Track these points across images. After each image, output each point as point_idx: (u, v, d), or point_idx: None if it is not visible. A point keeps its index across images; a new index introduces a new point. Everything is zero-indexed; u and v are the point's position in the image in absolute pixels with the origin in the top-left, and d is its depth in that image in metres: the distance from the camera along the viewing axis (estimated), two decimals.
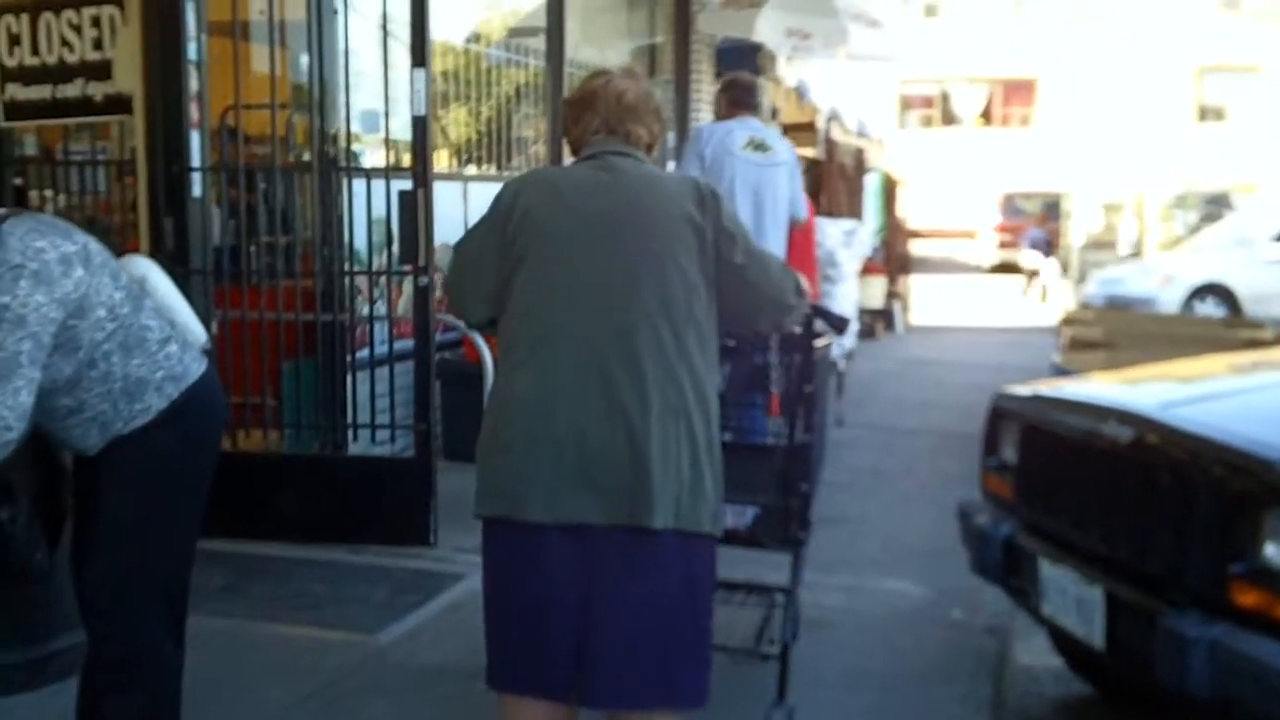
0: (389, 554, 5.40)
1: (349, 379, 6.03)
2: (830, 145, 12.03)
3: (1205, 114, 31.06)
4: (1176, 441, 3.19)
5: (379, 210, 5.76)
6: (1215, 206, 20.49)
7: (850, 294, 10.39)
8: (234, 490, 4.01)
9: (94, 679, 2.94)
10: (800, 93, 13.03)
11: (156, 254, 5.26)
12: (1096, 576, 3.29)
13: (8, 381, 2.57)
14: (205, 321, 3.39)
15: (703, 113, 10.41)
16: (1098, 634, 3.26)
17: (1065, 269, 20.84)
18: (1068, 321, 9.76)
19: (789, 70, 12.78)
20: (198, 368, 2.97)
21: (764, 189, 6.25)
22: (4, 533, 2.83)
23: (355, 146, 6.53)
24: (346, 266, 5.99)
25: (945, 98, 33.95)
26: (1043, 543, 3.59)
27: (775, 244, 6.22)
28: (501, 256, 2.78)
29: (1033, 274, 21.61)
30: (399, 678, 4.17)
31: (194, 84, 5.53)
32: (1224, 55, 29.88)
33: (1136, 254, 19.62)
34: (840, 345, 8.49)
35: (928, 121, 33.96)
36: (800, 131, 11.16)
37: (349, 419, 5.98)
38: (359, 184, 5.81)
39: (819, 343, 3.67)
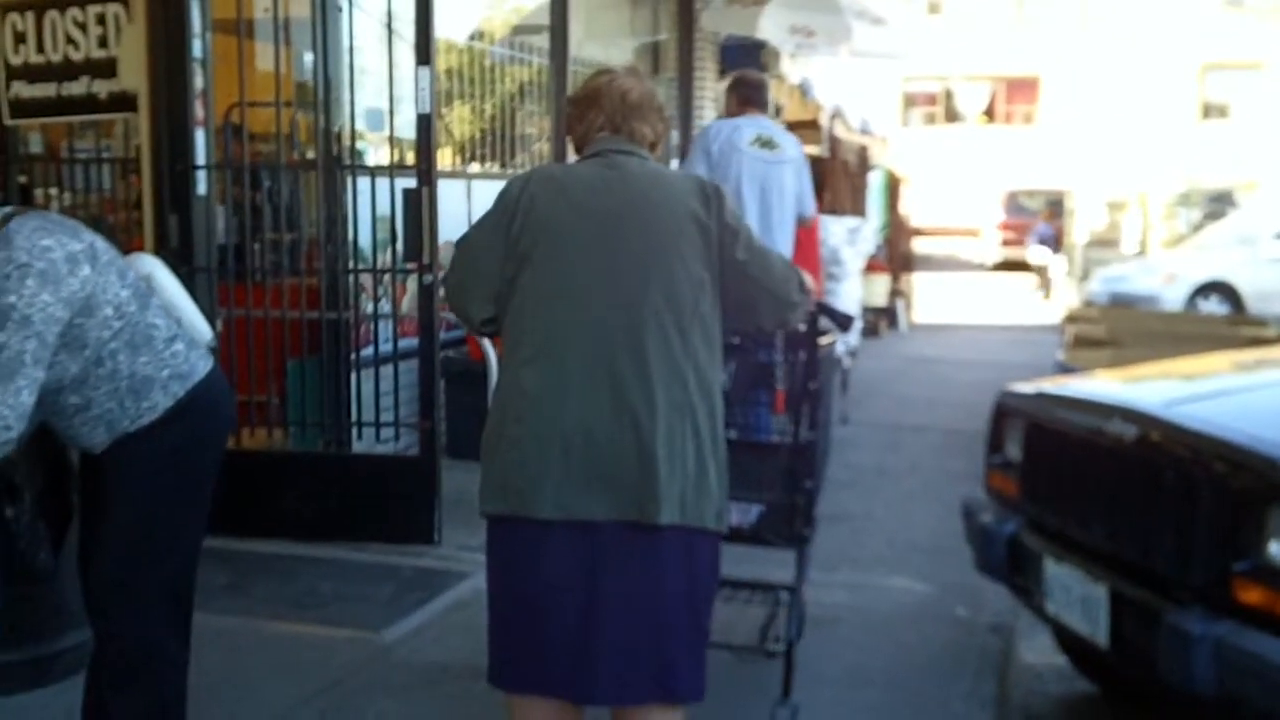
0: (393, 552, 5.40)
1: (353, 377, 6.04)
2: (833, 143, 12.00)
3: (1208, 111, 31.02)
4: (1180, 439, 3.19)
5: (383, 208, 5.77)
6: (1218, 204, 20.45)
7: (854, 292, 10.38)
8: (238, 488, 4.02)
9: (100, 677, 2.95)
10: (804, 90, 13.03)
11: (161, 252, 5.27)
12: (1101, 574, 3.29)
13: (10, 381, 2.57)
14: (209, 319, 3.39)
15: (706, 110, 10.42)
16: (1102, 632, 3.26)
17: (1069, 267, 20.81)
18: (1071, 319, 9.75)
19: (792, 68, 12.78)
20: (204, 366, 2.97)
21: (770, 185, 6.26)
22: (8, 531, 2.84)
23: (359, 144, 6.54)
24: (351, 264, 6.00)
25: (948, 95, 33.91)
26: (1047, 540, 3.60)
27: (782, 240, 6.23)
28: (506, 254, 2.78)
29: (1042, 270, 21.55)
30: (404, 675, 4.18)
31: (199, 82, 5.54)
32: (1227, 53, 29.83)
33: (1141, 252, 19.59)
34: (845, 342, 8.50)
35: (931, 119, 33.92)
36: (803, 129, 11.12)
37: (353, 417, 5.99)
38: (363, 182, 5.81)
39: (824, 340, 3.67)
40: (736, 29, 10.47)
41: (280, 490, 5.56)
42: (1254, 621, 2.84)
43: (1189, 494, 3.05)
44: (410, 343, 5.87)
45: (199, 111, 5.55)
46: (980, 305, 19.50)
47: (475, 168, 8.58)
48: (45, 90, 5.78)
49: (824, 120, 12.06)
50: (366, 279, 6.25)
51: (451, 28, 8.04)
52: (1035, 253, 22.79)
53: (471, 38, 8.47)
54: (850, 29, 10.54)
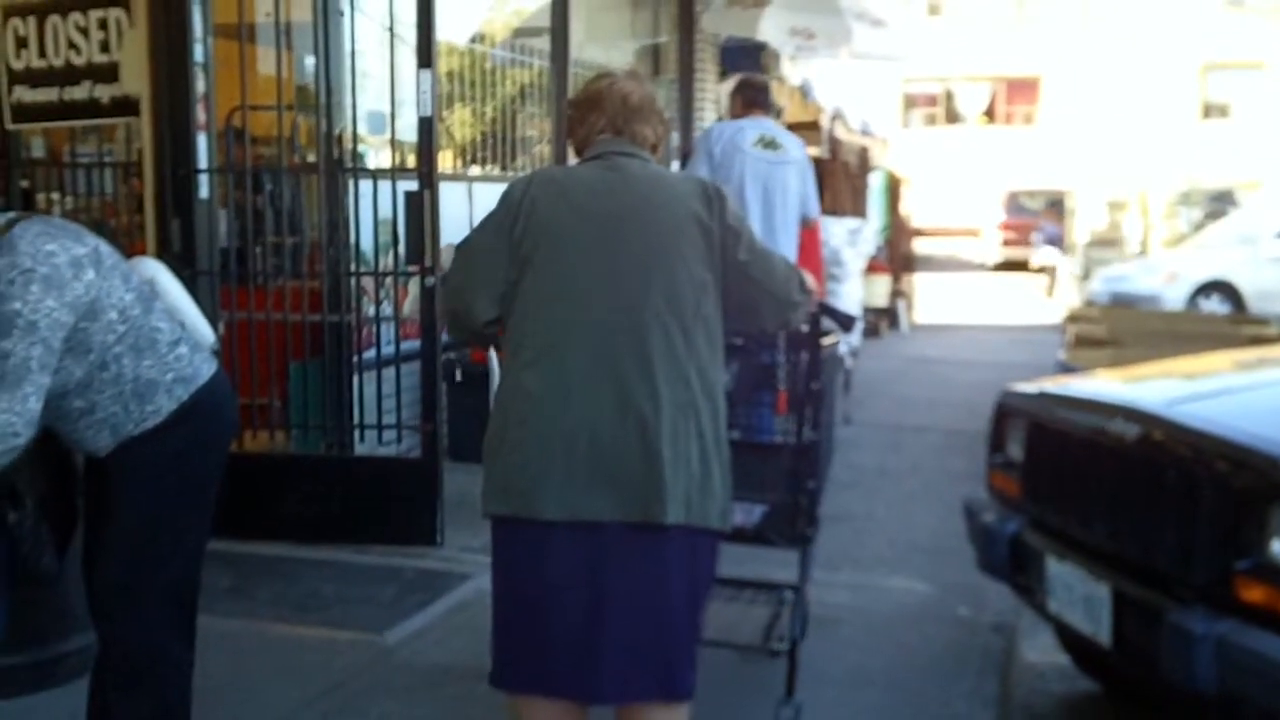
0: (396, 554, 5.41)
1: (355, 379, 6.05)
2: (834, 144, 12.01)
3: (1209, 111, 30.99)
4: (1182, 438, 3.19)
5: (385, 211, 5.77)
6: (1219, 204, 20.42)
7: (855, 292, 10.39)
8: (241, 491, 4.02)
9: (104, 680, 2.95)
10: (804, 92, 13.04)
11: (163, 255, 5.28)
12: (1103, 573, 3.30)
13: (17, 388, 2.57)
14: (212, 322, 3.40)
15: (707, 112, 10.43)
16: (1104, 631, 3.26)
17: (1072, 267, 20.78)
18: (1073, 319, 9.74)
19: (793, 69, 12.78)
20: (208, 369, 2.98)
21: (773, 186, 6.28)
22: (11, 536, 2.84)
23: (361, 147, 6.55)
24: (352, 267, 6.00)
25: (949, 96, 33.90)
26: (1049, 540, 3.60)
27: (785, 242, 6.24)
28: (508, 257, 2.78)
29: (1052, 271, 21.49)
30: (406, 677, 4.18)
31: (200, 86, 5.54)
32: (1228, 52, 29.82)
33: (1142, 251, 19.58)
34: (847, 342, 8.51)
35: (931, 120, 33.91)
36: (804, 130, 11.12)
37: (355, 419, 6.00)
38: (365, 185, 5.82)
39: (826, 341, 3.68)
40: (737, 31, 10.48)
41: (283, 493, 5.57)
42: (1256, 620, 2.84)
43: (1191, 493, 3.05)
44: (412, 345, 5.88)
45: (201, 115, 5.56)
46: (981, 305, 19.49)
47: (476, 170, 8.59)
48: (47, 95, 5.78)
49: (824, 122, 12.06)
50: (368, 282, 6.26)
51: (452, 31, 8.06)
52: (1044, 254, 22.74)
53: (472, 40, 8.48)
54: (850, 31, 10.55)
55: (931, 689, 4.14)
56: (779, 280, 2.94)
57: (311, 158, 6.39)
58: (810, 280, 3.10)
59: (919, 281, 17.98)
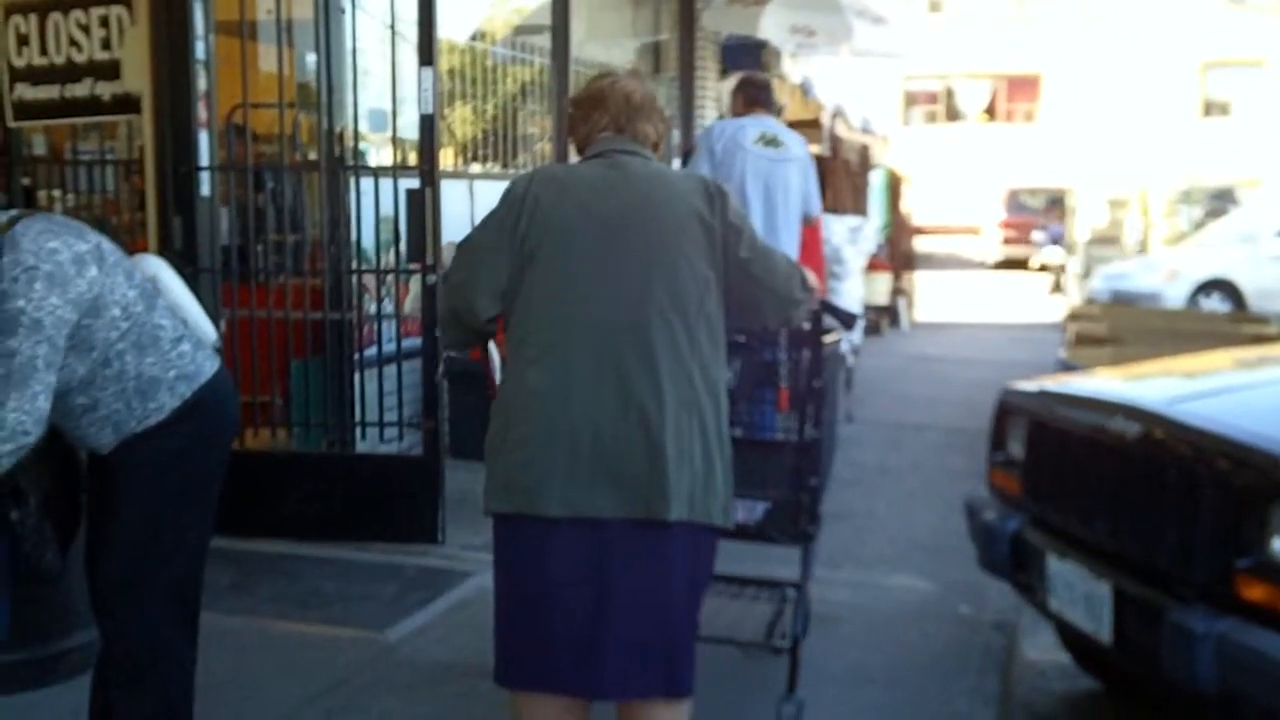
0: (397, 551, 5.41)
1: (356, 377, 6.05)
2: (835, 142, 12.00)
3: (1210, 109, 30.98)
4: (1183, 436, 3.20)
5: (386, 209, 5.77)
6: (1220, 202, 20.39)
7: (855, 290, 10.39)
8: (243, 489, 4.02)
9: (106, 677, 2.96)
10: (805, 90, 13.03)
11: (165, 253, 5.27)
12: (1104, 571, 3.30)
13: (26, 387, 2.58)
14: (213, 320, 3.39)
15: (708, 110, 10.43)
16: (1105, 629, 3.27)
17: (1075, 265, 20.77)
18: (1073, 317, 9.74)
19: (793, 67, 12.78)
20: (210, 367, 2.98)
21: (775, 183, 6.28)
22: (13, 534, 2.84)
23: (362, 145, 6.55)
24: (354, 265, 6.01)
25: (949, 94, 33.90)
26: (1050, 538, 3.60)
27: (787, 239, 6.24)
28: (510, 255, 2.79)
29: (1059, 270, 21.47)
30: (408, 675, 4.19)
31: (202, 83, 5.54)
32: (1229, 50, 29.81)
33: (1142, 249, 19.56)
34: (849, 340, 8.51)
35: (932, 118, 33.91)
36: (805, 128, 11.13)
37: (356, 417, 6.00)
38: (366, 182, 5.82)
39: (828, 338, 3.68)
40: (737, 29, 10.48)
41: (284, 490, 5.57)
42: (1257, 618, 2.85)
43: (1191, 491, 3.06)
44: (413, 343, 5.88)
45: (202, 113, 5.56)
46: (982, 303, 19.49)
47: (477, 168, 8.59)
48: (49, 92, 5.78)
49: (825, 119, 12.06)
50: (369, 279, 6.27)
51: (453, 28, 8.05)
52: (1049, 252, 22.72)
53: (473, 38, 8.48)
54: (851, 28, 10.55)
55: (932, 687, 4.14)
56: (780, 278, 2.94)
57: (313, 155, 6.39)
58: (812, 278, 3.11)
59: (920, 279, 17.97)
